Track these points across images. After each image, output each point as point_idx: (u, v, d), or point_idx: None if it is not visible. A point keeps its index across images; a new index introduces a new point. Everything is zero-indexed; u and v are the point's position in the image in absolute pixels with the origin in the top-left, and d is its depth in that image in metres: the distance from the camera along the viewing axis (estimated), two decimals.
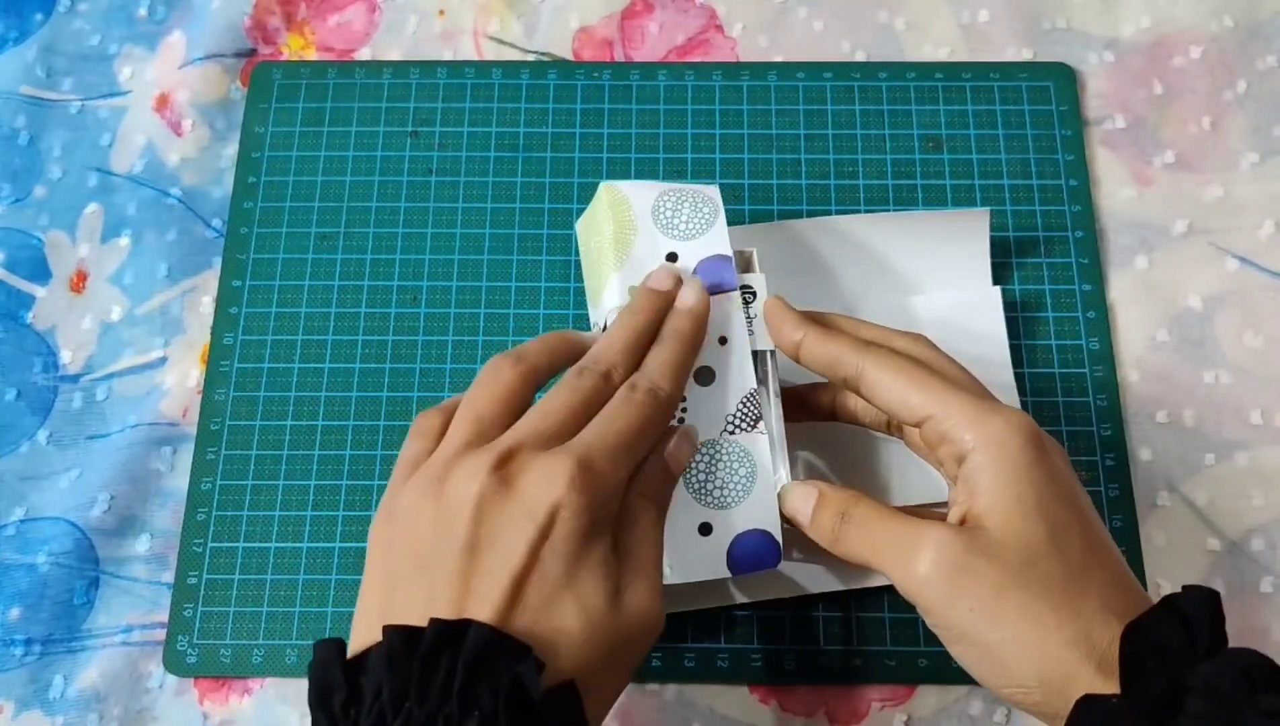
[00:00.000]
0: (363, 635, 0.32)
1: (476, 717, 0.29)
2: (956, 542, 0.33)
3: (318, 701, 0.30)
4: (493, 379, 0.36)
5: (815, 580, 0.43)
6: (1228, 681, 0.30)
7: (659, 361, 0.37)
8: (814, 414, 0.43)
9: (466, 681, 0.29)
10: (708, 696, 0.43)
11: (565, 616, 0.31)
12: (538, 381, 0.37)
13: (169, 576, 0.45)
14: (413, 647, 0.29)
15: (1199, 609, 0.32)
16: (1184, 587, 0.32)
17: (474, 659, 0.29)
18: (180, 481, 0.47)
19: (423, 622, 0.30)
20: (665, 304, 0.39)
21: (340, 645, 0.31)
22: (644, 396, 0.36)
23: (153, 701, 0.44)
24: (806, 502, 0.38)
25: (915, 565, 0.34)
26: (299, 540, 0.45)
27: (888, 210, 0.50)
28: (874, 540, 0.36)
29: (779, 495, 0.39)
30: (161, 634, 0.45)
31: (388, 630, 0.30)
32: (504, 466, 0.33)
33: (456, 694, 0.29)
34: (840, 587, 0.43)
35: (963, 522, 0.34)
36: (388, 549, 0.34)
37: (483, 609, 0.31)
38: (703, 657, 0.44)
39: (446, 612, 0.31)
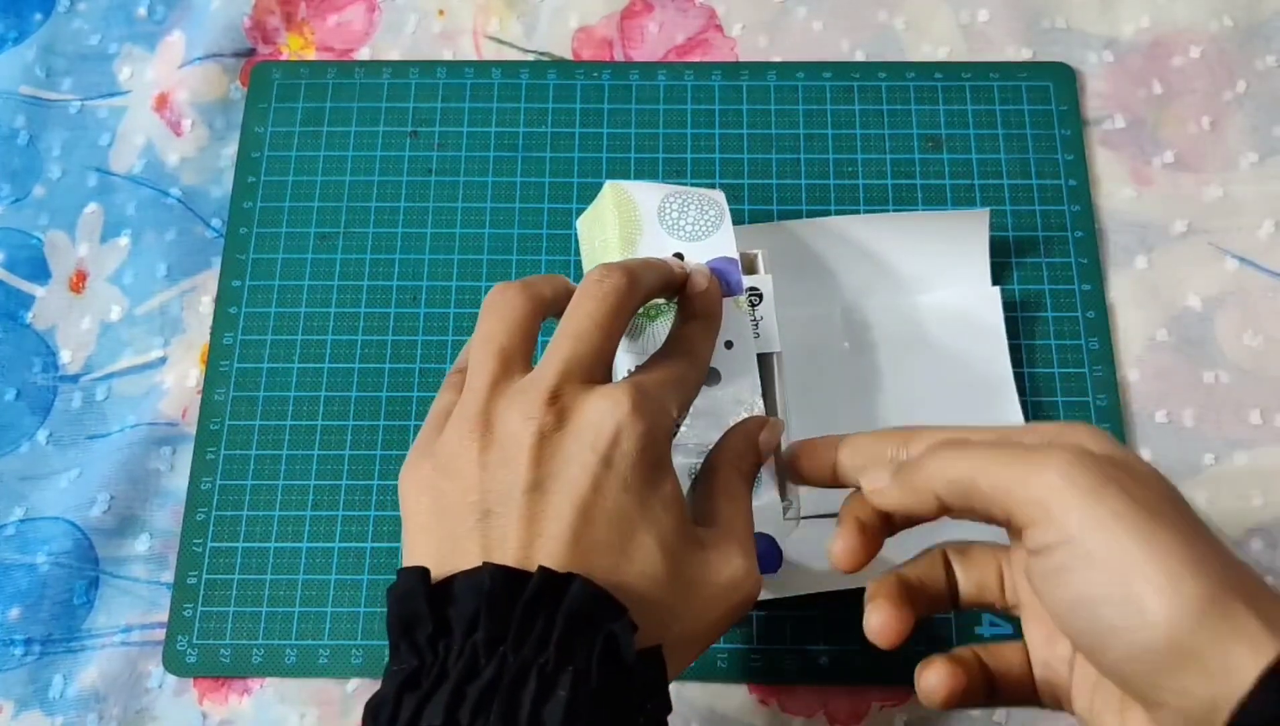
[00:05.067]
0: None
1: (571, 672, 0.28)
2: (1092, 459, 0.28)
3: (403, 631, 0.29)
4: (504, 307, 0.34)
5: (815, 580, 0.43)
6: None
7: (693, 328, 0.36)
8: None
9: (565, 634, 0.28)
10: (708, 696, 0.43)
11: (645, 557, 0.30)
12: (545, 311, 0.35)
13: (169, 576, 0.45)
14: (513, 592, 0.28)
15: None
16: None
17: (574, 612, 0.28)
18: (180, 481, 0.47)
19: (492, 565, 0.29)
20: (673, 273, 0.37)
21: (425, 574, 0.30)
22: (684, 345, 0.35)
23: (152, 701, 0.44)
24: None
25: (1039, 474, 0.28)
26: (298, 540, 0.45)
27: (888, 210, 0.50)
28: (968, 461, 0.30)
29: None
30: (161, 634, 0.45)
31: (489, 567, 0.29)
32: (557, 400, 0.31)
33: (554, 645, 0.28)
34: (840, 587, 0.43)
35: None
36: (434, 493, 0.32)
37: (553, 548, 0.30)
38: (703, 657, 0.43)
39: (515, 556, 0.30)
